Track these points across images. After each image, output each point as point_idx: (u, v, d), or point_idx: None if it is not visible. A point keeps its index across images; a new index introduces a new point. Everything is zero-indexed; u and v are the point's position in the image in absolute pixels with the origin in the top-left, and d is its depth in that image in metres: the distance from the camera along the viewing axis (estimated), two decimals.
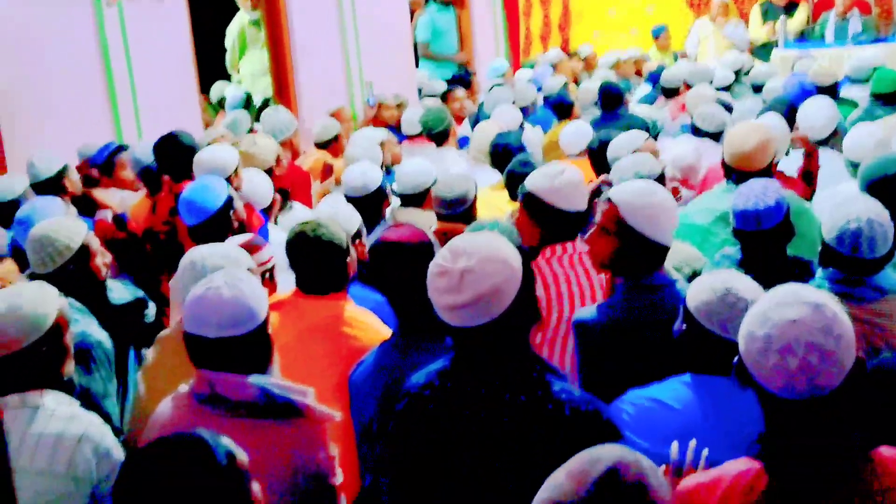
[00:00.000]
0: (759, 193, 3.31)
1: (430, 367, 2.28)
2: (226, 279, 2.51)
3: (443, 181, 4.49)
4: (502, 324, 2.12)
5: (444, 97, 8.57)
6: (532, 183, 3.41)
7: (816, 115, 5.44)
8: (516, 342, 2.19)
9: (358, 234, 3.76)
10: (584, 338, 2.99)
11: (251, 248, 3.40)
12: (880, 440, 1.98)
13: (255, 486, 1.92)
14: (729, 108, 6.74)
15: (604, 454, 1.67)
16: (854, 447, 1.92)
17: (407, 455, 2.27)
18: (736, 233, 3.41)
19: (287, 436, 2.44)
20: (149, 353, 3.27)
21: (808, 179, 4.75)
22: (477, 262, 2.11)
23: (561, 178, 3.38)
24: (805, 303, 1.89)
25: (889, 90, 6.57)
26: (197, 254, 3.09)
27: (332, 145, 6.73)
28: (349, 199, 4.62)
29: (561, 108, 7.47)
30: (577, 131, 5.95)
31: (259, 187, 4.76)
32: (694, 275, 3.46)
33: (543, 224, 3.38)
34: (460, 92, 8.85)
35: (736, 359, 1.96)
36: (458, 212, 4.33)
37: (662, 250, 2.94)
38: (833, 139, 5.39)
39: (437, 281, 2.15)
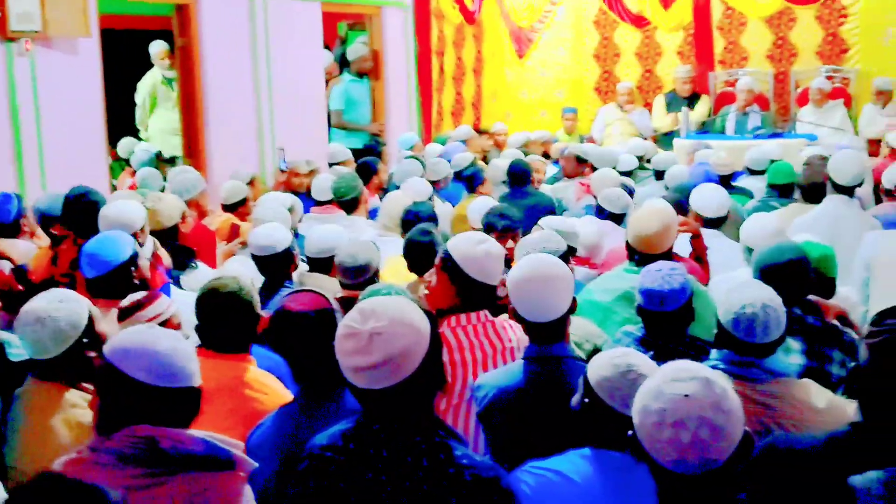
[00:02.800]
0: (665, 275, 3.42)
1: (334, 428, 2.27)
2: (170, 333, 2.45)
3: (345, 249, 4.40)
4: (408, 387, 2.13)
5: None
6: (454, 247, 3.42)
7: (712, 196, 5.69)
8: (421, 406, 2.20)
9: None
10: (481, 401, 3.05)
11: (140, 304, 3.37)
12: None
13: None
14: (631, 192, 6.96)
15: None
16: None
17: None
18: (640, 311, 3.50)
19: (214, 487, 2.33)
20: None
21: (699, 262, 4.91)
22: (386, 324, 2.12)
23: (482, 247, 3.42)
24: (696, 378, 1.95)
25: (784, 181, 6.89)
26: (37, 304, 3.00)
27: (239, 208, 6.69)
28: (255, 258, 4.59)
29: (472, 182, 7.59)
30: (484, 206, 6.04)
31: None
32: (595, 351, 3.54)
33: (459, 288, 3.39)
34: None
35: (630, 432, 2.01)
36: (361, 280, 4.25)
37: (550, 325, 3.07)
38: (723, 224, 5.63)
39: (345, 342, 2.15)
